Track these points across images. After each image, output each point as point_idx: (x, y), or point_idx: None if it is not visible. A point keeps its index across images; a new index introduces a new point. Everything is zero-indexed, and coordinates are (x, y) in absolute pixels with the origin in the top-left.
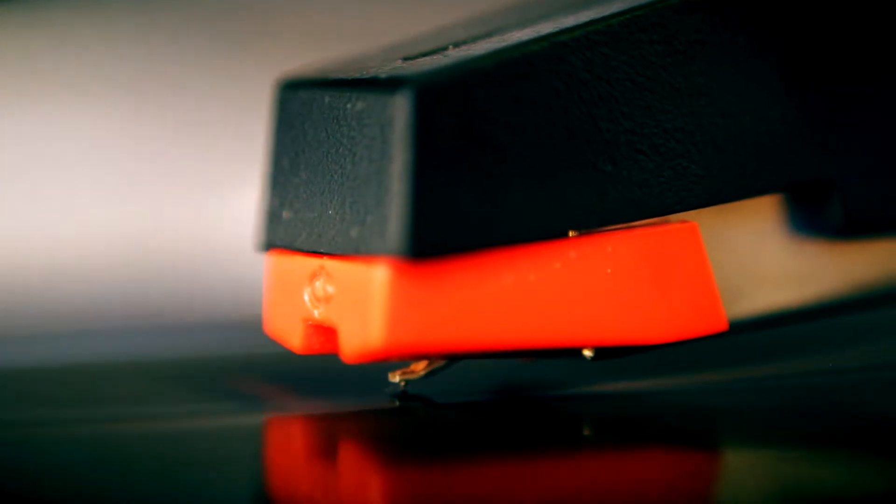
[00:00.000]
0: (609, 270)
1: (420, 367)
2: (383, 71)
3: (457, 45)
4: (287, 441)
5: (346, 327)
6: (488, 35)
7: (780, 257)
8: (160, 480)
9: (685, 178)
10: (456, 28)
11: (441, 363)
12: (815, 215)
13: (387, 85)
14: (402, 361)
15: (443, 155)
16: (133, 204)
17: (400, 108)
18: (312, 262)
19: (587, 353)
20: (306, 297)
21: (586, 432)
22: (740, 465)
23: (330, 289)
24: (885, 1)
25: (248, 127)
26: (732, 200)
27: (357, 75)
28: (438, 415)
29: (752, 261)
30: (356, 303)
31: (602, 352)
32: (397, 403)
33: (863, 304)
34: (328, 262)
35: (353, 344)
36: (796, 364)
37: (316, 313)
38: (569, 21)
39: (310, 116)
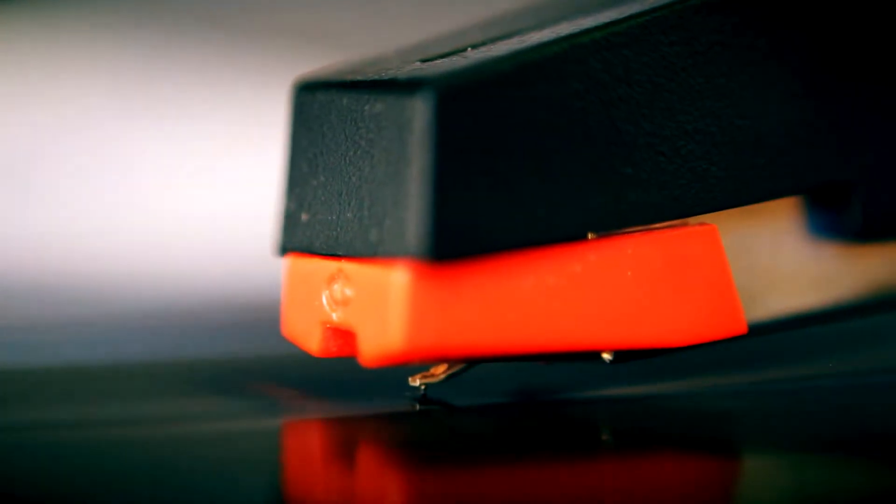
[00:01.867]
0: (628, 273)
1: (440, 371)
2: (401, 73)
3: (475, 46)
4: (305, 445)
5: (365, 330)
6: (507, 36)
7: (800, 260)
8: (175, 483)
9: (705, 180)
10: (474, 29)
11: (461, 366)
12: (834, 218)
13: (405, 87)
14: (422, 365)
15: (462, 157)
16: (149, 203)
17: (419, 110)
18: (331, 265)
19: (606, 356)
20: (324, 300)
21: (604, 436)
22: (759, 470)
23: (348, 291)
24: None
25: (265, 128)
26: (752, 203)
27: (375, 77)
28: (458, 418)
29: (772, 263)
30: (375, 306)
31: (621, 355)
32: (417, 407)
33: (882, 307)
34: (347, 265)
35: (372, 347)
36: (815, 367)
37: (334, 316)
38: (588, 22)
39: (328, 118)
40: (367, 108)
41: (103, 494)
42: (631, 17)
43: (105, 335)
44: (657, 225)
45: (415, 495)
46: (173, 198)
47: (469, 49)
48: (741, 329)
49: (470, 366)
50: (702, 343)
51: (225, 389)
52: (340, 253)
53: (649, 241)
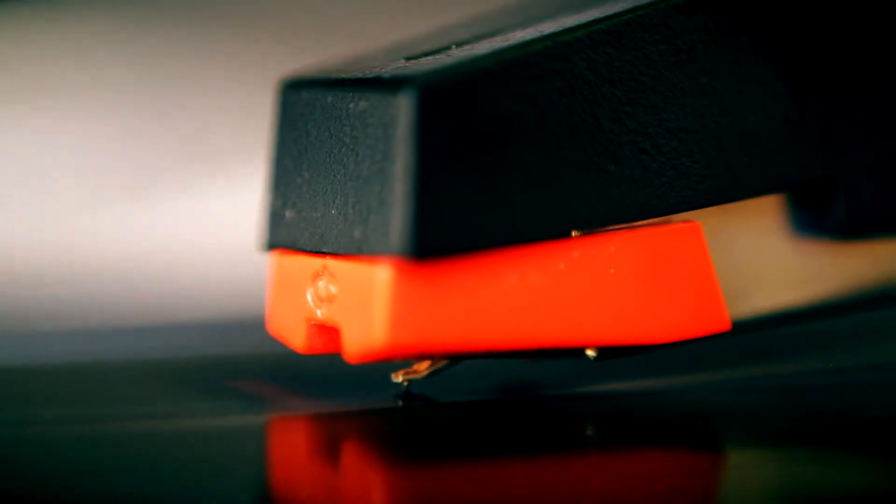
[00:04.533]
0: (612, 270)
1: (423, 367)
2: (386, 70)
3: (459, 44)
4: (289, 441)
5: (349, 327)
6: (491, 34)
7: (783, 257)
8: (161, 481)
9: (688, 177)
10: (459, 27)
11: (444, 363)
12: (818, 216)
13: (390, 84)
14: (405, 361)
15: (445, 154)
16: (133, 203)
17: (403, 108)
18: (315, 262)
19: (590, 352)
20: (309, 297)
21: (589, 432)
22: (743, 466)
23: (333, 289)
24: (890, 1)
25: (249, 126)
26: (736, 200)
27: (360, 75)
28: (441, 415)
29: (756, 261)
30: (359, 303)
31: (605, 352)
32: (400, 403)
33: (865, 305)
34: (331, 262)
35: (356, 344)
36: (799, 364)
37: (319, 313)
38: (572, 20)
39: (313, 116)
40: (351, 106)
41: (91, 491)
42: (614, 15)
43: (91, 335)
44: (641, 222)
45: (398, 491)
46: (157, 197)
47: (453, 47)
48: (725, 326)
49: (453, 362)
50: (686, 340)
51: (210, 386)
52: (325, 250)
53: (633, 239)
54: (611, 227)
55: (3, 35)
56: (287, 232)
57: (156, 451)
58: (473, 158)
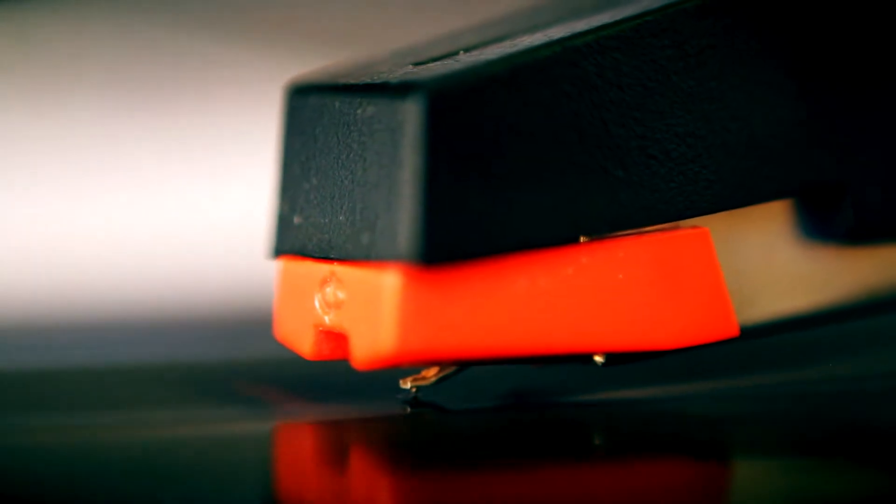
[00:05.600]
0: (620, 276)
1: (431, 374)
2: (394, 76)
3: (468, 49)
4: (296, 447)
5: (357, 333)
6: (499, 40)
7: (792, 262)
8: (164, 488)
9: (697, 183)
10: (467, 33)
11: (452, 369)
12: (827, 220)
13: (398, 90)
14: (414, 368)
15: (454, 160)
16: (138, 205)
17: (411, 113)
18: (323, 268)
19: (598, 358)
20: (317, 303)
21: (596, 440)
22: (750, 474)
23: (341, 294)
24: None
25: (258, 130)
26: (744, 205)
27: (367, 80)
28: (449, 421)
29: (764, 266)
30: (367, 309)
31: (613, 357)
32: (408, 410)
33: (874, 310)
34: (339, 268)
35: (364, 350)
36: (808, 370)
37: (326, 319)
38: (580, 26)
39: (320, 121)
40: (359, 111)
41: (95, 498)
42: (623, 20)
43: (97, 339)
44: (649, 228)
45: (406, 499)
46: (165, 200)
47: (461, 52)
48: (733, 332)
49: (461, 368)
50: (694, 346)
51: (217, 392)
52: (333, 256)
53: (641, 244)
54: (619, 233)
55: (7, 31)
56: (295, 237)
57: (160, 458)
58: (481, 164)
